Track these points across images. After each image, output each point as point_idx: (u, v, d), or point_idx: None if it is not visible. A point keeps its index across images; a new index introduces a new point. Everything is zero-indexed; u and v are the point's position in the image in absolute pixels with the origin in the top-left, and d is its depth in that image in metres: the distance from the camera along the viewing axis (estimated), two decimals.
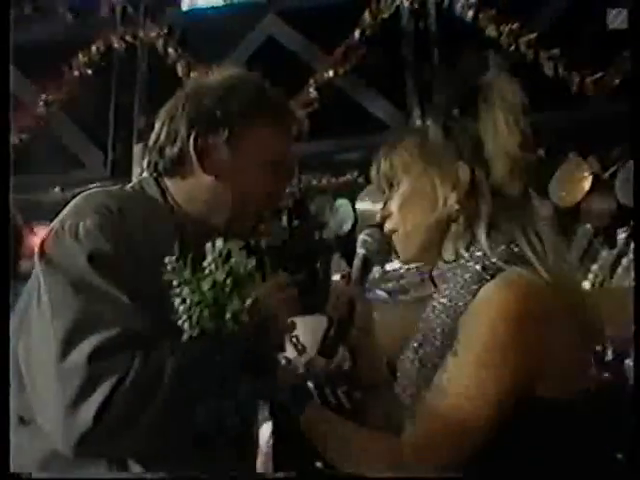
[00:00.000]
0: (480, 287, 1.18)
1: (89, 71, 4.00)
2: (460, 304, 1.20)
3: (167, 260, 1.15)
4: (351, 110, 3.63)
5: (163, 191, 1.35)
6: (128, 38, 4.03)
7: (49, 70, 3.96)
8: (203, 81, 1.42)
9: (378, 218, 1.36)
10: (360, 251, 1.38)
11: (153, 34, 3.99)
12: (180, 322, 1.14)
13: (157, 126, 1.38)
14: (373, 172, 1.37)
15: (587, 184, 3.16)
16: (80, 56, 4.00)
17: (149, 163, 1.38)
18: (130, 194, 1.36)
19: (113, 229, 1.21)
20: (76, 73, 3.99)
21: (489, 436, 1.13)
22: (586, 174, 3.15)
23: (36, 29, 4.12)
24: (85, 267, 1.17)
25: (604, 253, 2.85)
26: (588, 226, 3.03)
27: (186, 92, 1.38)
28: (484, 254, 1.22)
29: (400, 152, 1.32)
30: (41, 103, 3.98)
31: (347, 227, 3.63)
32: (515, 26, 3.33)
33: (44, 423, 1.16)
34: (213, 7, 4.09)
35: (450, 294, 1.23)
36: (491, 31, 3.38)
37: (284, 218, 3.59)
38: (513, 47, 3.33)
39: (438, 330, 1.21)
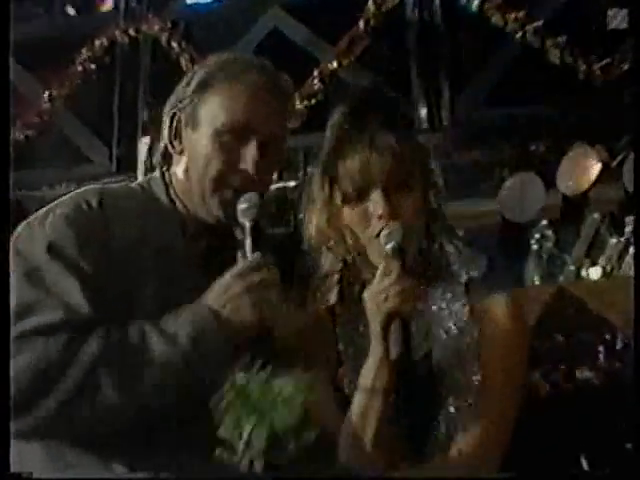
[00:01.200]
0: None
1: (93, 66, 4.00)
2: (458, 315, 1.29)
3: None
4: None
5: (167, 187, 1.35)
6: (131, 32, 4.02)
7: (53, 65, 3.96)
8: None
9: (383, 214, 1.33)
10: None
11: (156, 28, 3.97)
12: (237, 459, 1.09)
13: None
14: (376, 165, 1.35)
15: (594, 172, 3.13)
16: (84, 51, 3.99)
17: (157, 159, 1.39)
18: (129, 192, 1.36)
19: (82, 222, 1.22)
20: (80, 68, 3.98)
21: None
22: (593, 162, 3.12)
23: (39, 24, 4.12)
24: (42, 254, 1.19)
25: (612, 242, 2.83)
26: (596, 215, 3.00)
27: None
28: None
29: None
30: (45, 99, 3.98)
31: None
32: (521, 14, 3.30)
33: None
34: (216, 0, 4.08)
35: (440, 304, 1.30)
36: (497, 20, 3.35)
37: (290, 210, 3.58)
38: (519, 35, 3.30)
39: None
